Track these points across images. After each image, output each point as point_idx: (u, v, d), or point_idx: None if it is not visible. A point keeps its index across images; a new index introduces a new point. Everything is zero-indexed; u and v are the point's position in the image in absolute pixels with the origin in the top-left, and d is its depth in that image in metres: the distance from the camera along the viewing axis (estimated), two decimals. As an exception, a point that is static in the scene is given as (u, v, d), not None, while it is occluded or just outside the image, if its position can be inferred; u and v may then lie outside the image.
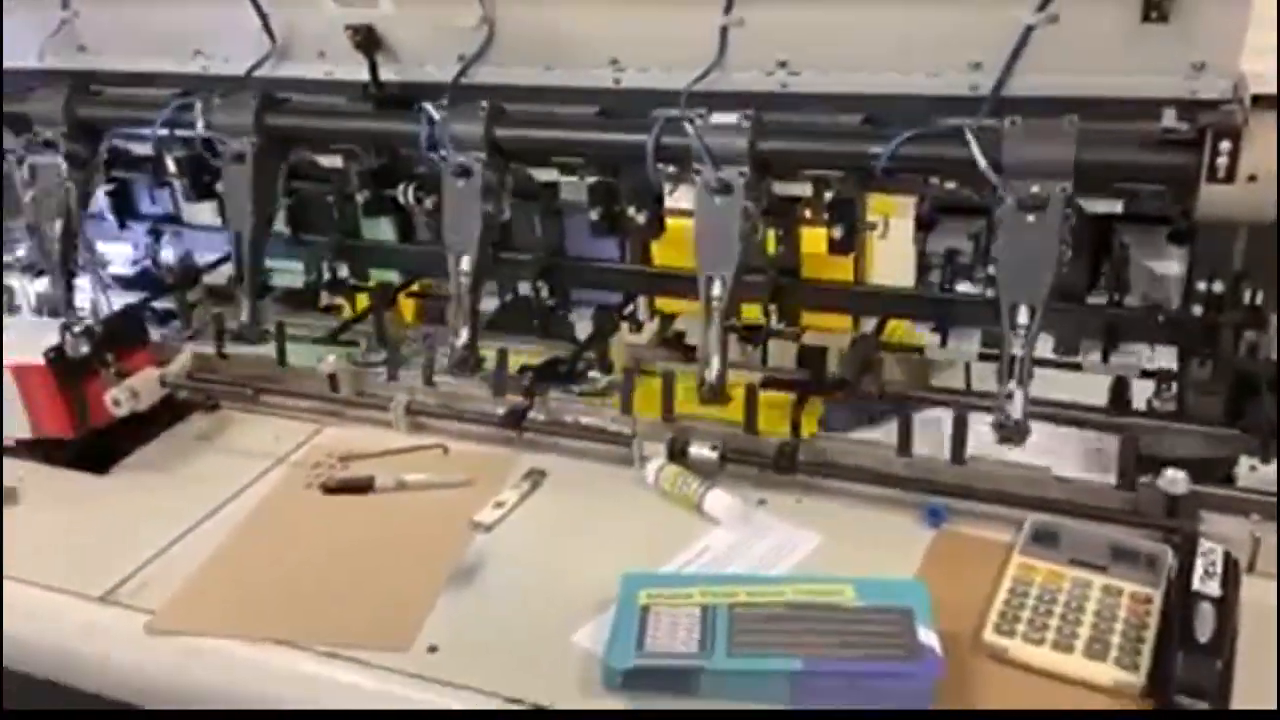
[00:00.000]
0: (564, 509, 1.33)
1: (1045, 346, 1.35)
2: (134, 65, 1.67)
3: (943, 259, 1.41)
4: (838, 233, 1.36)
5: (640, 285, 1.58)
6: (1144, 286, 1.34)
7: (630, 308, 1.62)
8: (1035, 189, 1.11)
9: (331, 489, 1.37)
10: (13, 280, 1.79)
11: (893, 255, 1.48)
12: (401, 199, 1.55)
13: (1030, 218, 1.12)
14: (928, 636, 1.00)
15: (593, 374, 1.57)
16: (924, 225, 1.40)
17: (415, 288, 1.79)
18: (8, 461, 1.47)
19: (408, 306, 1.80)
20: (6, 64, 1.75)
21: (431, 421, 1.50)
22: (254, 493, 1.39)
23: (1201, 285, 1.26)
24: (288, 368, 1.63)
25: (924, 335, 1.44)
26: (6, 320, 1.73)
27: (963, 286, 1.41)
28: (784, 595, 1.08)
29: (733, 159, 1.24)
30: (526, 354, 1.59)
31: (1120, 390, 1.37)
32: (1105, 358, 1.36)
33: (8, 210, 1.75)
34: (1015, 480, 1.25)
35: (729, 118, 1.23)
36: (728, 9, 1.30)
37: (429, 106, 1.37)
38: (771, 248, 1.43)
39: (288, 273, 1.77)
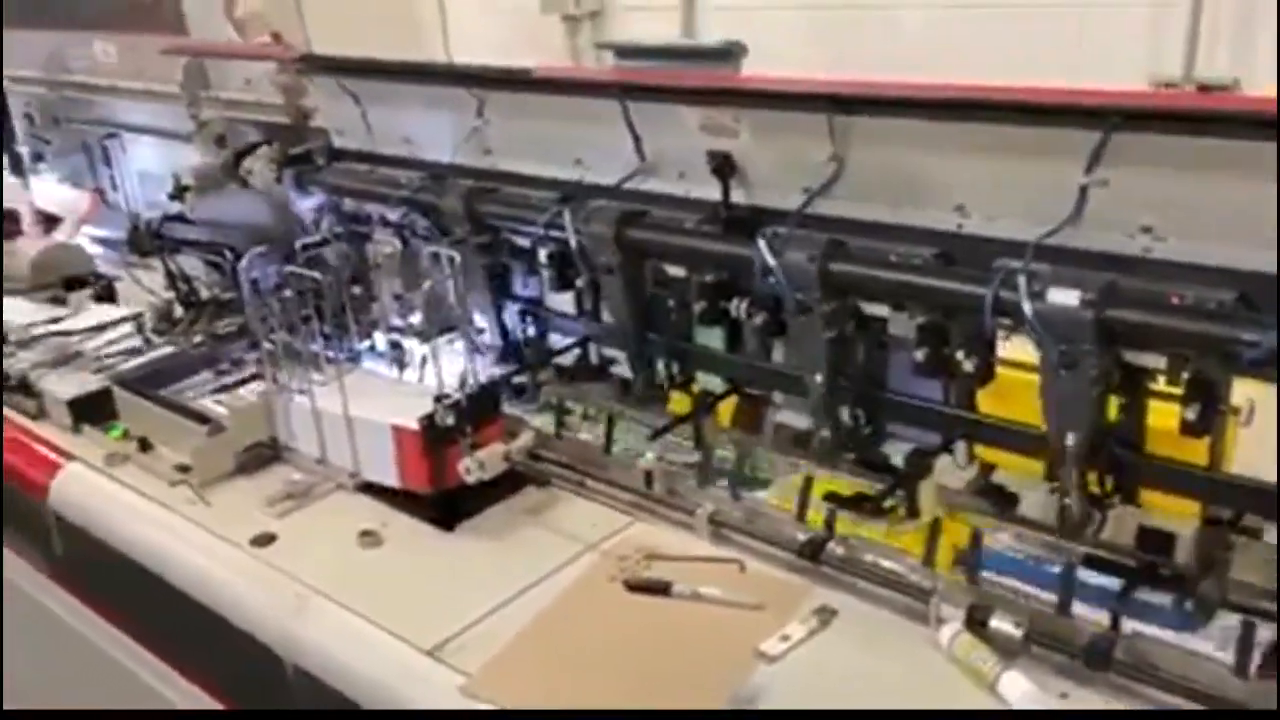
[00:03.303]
0: (850, 658, 1.32)
1: None
2: (525, 168, 1.91)
3: (1322, 457, 1.23)
4: (1192, 414, 1.24)
5: (962, 430, 1.53)
6: None
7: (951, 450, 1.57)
8: None
9: (633, 587, 1.46)
10: (407, 343, 2.09)
11: (1260, 441, 1.31)
12: (734, 312, 1.63)
13: None
14: None
15: (899, 514, 1.54)
16: (1302, 415, 1.24)
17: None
18: (374, 504, 1.73)
19: (727, 411, 1.86)
20: (427, 156, 2.08)
21: (732, 535, 1.55)
22: (567, 574, 1.52)
23: None
24: (612, 456, 1.76)
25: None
26: (390, 384, 2.01)
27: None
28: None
29: (1075, 335, 1.18)
30: (834, 481, 1.60)
31: None
32: None
33: (408, 283, 2.05)
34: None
35: (1070, 298, 1.17)
36: (1090, 168, 1.24)
37: (763, 245, 1.44)
38: (1114, 415, 1.33)
39: (620, 363, 1.91)
